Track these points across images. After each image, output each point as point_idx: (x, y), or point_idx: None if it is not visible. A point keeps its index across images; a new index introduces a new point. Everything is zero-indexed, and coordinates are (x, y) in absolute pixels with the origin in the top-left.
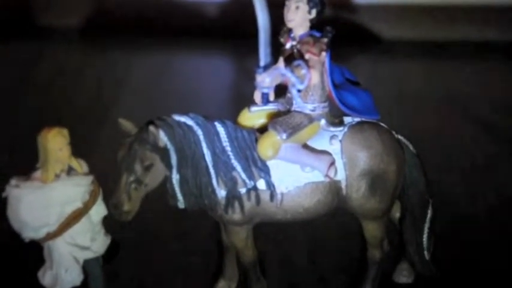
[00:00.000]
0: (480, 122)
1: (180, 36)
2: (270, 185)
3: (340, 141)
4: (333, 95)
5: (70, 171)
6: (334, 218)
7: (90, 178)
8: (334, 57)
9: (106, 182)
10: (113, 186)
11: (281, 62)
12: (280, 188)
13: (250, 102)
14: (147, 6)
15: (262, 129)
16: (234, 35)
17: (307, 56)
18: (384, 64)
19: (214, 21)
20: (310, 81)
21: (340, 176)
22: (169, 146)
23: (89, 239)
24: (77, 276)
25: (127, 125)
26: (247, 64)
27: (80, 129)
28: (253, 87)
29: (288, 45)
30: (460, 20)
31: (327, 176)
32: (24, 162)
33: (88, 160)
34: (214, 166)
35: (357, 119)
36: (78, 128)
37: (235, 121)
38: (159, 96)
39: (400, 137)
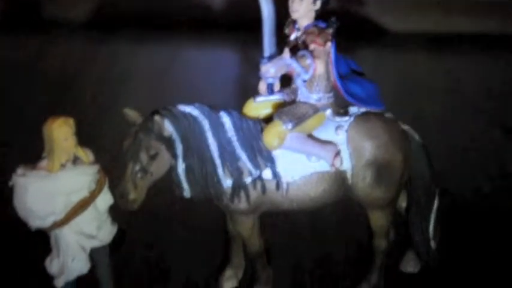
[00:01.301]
0: (486, 115)
1: (185, 27)
2: (275, 175)
3: (346, 131)
4: (338, 85)
5: (76, 160)
6: (340, 208)
7: (96, 167)
8: (340, 50)
9: (112, 171)
10: (119, 175)
11: (286, 53)
12: (286, 177)
13: (256, 93)
14: None
15: (268, 120)
16: (239, 26)
17: (312, 46)
18: (390, 56)
19: (218, 13)
20: (315, 71)
21: (346, 165)
22: (175, 135)
23: (95, 227)
24: (83, 265)
25: (133, 114)
26: (252, 55)
27: (86, 120)
28: (258, 79)
29: (292, 36)
30: (464, 13)
31: (332, 165)
32: (29, 153)
33: (93, 149)
34: (220, 156)
35: (363, 109)
36: (83, 118)
37: (240, 112)
38: (163, 88)
39: (406, 127)
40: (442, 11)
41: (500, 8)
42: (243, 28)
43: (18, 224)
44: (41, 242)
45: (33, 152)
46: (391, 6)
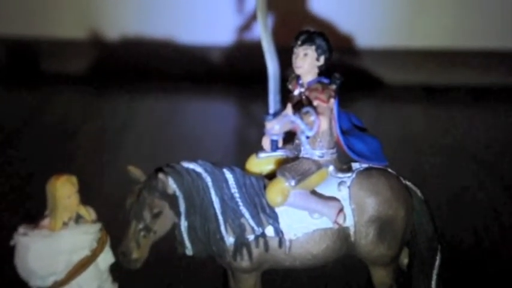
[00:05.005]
0: (484, 166)
1: (184, 81)
2: (278, 232)
3: (349, 187)
4: (341, 141)
5: (78, 218)
6: (342, 264)
7: (98, 225)
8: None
9: (110, 229)
10: (119, 233)
11: (289, 109)
12: (289, 234)
13: (255, 146)
14: (151, 51)
15: (271, 176)
16: (238, 79)
17: (315, 102)
18: (387, 108)
19: (218, 66)
20: (319, 128)
21: (349, 222)
22: (178, 193)
23: (96, 287)
24: None
25: (136, 172)
26: (251, 109)
27: (85, 176)
28: (257, 132)
29: (296, 92)
30: (461, 65)
31: (335, 222)
32: (30, 208)
33: (94, 204)
34: (223, 213)
35: (365, 165)
36: (83, 173)
37: (241, 165)
38: (163, 141)
39: (408, 182)
40: (438, 62)
41: (497, 60)
42: (241, 81)
43: (19, 284)
44: None
45: (34, 209)
46: (388, 58)
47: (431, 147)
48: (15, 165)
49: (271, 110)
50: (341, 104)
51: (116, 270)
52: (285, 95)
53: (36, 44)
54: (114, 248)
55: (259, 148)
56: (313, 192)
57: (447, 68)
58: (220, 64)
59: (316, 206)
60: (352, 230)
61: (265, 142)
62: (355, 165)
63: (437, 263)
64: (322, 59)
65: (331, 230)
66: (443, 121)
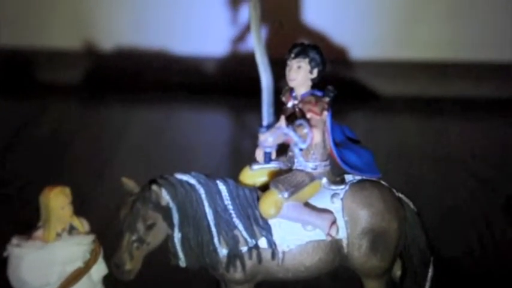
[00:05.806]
0: (477, 178)
1: (178, 91)
2: (271, 244)
3: (342, 199)
4: (334, 153)
5: (71, 230)
6: (335, 276)
7: (91, 237)
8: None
9: (103, 240)
10: (113, 244)
11: (282, 121)
12: (282, 246)
13: (249, 158)
14: (146, 61)
15: (264, 188)
16: (233, 90)
17: (309, 115)
18: (381, 120)
19: (212, 77)
20: (312, 140)
21: (342, 234)
22: (172, 204)
23: None
24: None
25: (130, 183)
26: (245, 120)
27: (78, 187)
28: (251, 143)
29: (289, 104)
30: (455, 77)
31: (328, 234)
32: (24, 218)
33: (87, 215)
34: (216, 225)
35: (358, 177)
36: (76, 184)
37: (234, 177)
38: (157, 151)
39: (401, 195)
40: (432, 74)
41: (491, 72)
42: (235, 93)
43: None
44: None
45: (28, 220)
46: (382, 70)
47: (425, 160)
48: (8, 175)
49: (265, 122)
50: (334, 116)
51: (109, 282)
52: (279, 107)
53: (30, 54)
54: (108, 260)
55: (252, 159)
56: (306, 204)
57: (441, 79)
58: (214, 75)
59: (309, 218)
60: (345, 242)
61: (259, 154)
62: (348, 178)
63: (430, 275)
64: (315, 72)
65: (324, 242)
66: (437, 133)
